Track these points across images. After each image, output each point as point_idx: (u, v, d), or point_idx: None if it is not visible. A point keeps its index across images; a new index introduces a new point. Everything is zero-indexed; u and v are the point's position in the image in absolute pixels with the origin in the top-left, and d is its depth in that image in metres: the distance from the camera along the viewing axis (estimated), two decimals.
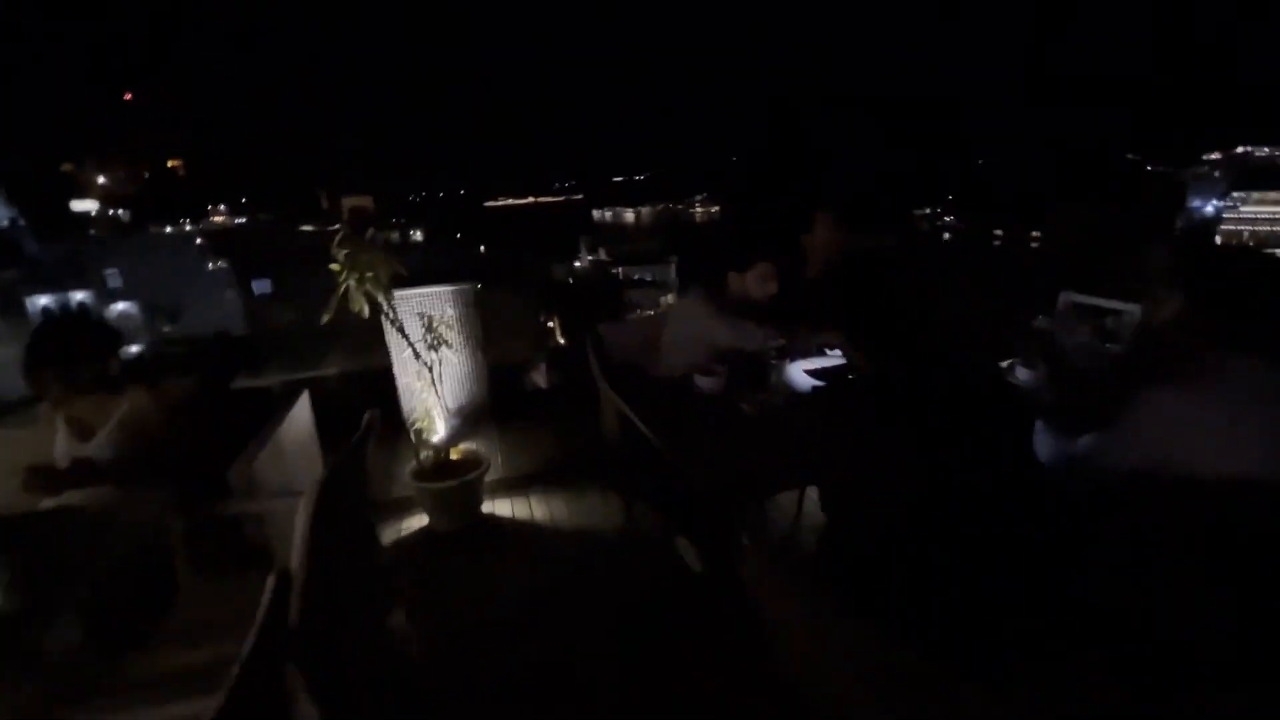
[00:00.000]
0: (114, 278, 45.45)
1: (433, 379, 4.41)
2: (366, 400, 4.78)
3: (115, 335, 2.74)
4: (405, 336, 4.27)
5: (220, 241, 42.32)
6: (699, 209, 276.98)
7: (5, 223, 57.42)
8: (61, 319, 2.76)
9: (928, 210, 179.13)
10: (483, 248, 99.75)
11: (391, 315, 4.15)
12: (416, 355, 4.35)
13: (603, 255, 71.48)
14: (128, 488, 2.57)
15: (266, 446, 2.85)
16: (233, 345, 29.71)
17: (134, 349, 44.46)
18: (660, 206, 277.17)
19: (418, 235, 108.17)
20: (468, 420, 5.18)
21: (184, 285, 46.20)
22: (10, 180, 66.37)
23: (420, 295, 5.05)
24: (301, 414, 3.78)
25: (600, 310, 49.35)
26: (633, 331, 4.47)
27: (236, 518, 2.67)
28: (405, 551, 4.21)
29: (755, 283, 3.93)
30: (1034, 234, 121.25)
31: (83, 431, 2.69)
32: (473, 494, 4.40)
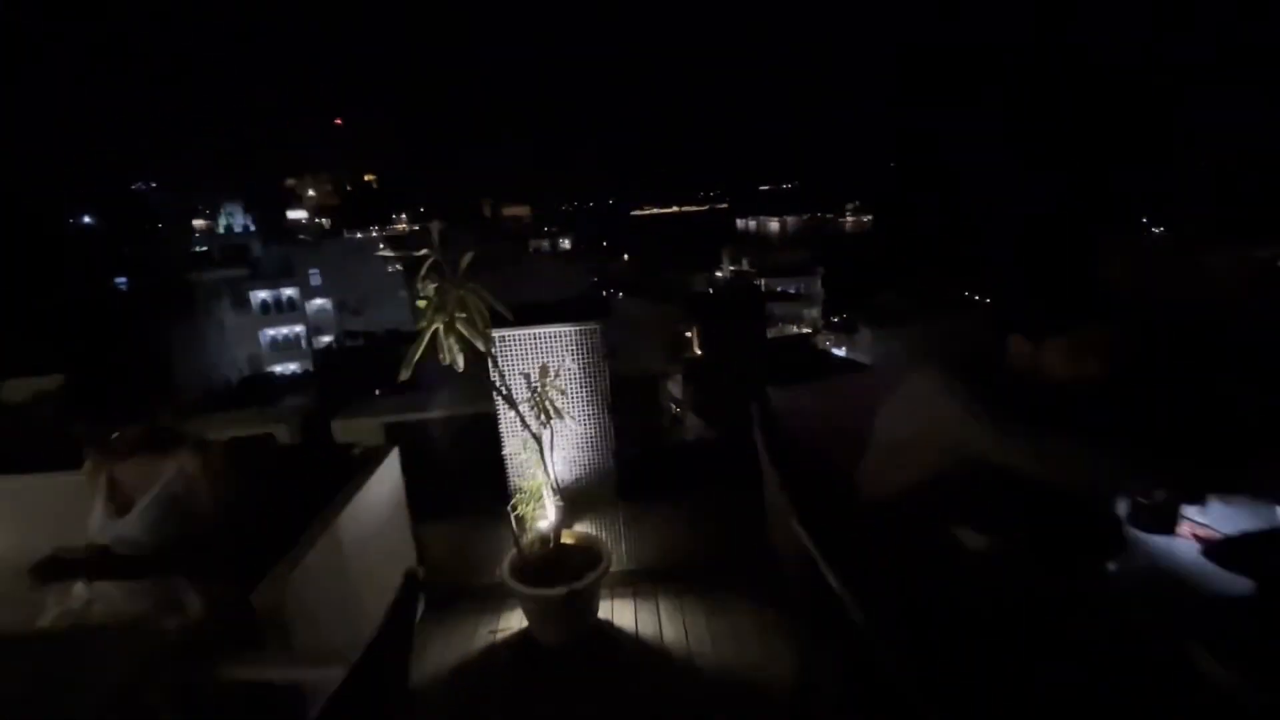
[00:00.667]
0: (315, 276, 52.38)
1: (541, 452, 3.57)
2: (475, 456, 3.90)
3: (164, 382, 2.17)
4: (507, 398, 3.49)
5: (396, 246, 46.89)
6: (849, 218, 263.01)
7: (240, 228, 69.33)
8: (99, 360, 2.20)
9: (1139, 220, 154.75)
10: (626, 256, 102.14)
11: (494, 364, 3.42)
12: (524, 423, 3.55)
13: (745, 265, 69.89)
14: (153, 590, 1.95)
15: (320, 543, 2.15)
16: (399, 341, 32.52)
17: (325, 339, 51.08)
18: (807, 216, 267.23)
19: (566, 244, 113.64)
20: (585, 498, 4.15)
21: (368, 285, 52.11)
22: (245, 193, 79.95)
23: (531, 335, 3.98)
24: (387, 479, 3.16)
25: (741, 322, 47.96)
26: (824, 401, 3.28)
27: (248, 687, 1.81)
28: (497, 663, 3.40)
29: (1062, 357, 2.33)
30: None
31: (122, 502, 2.13)
32: (586, 601, 3.51)
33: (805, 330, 57.80)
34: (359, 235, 77.83)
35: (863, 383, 3.32)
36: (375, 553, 2.78)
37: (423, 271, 3.17)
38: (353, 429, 4.35)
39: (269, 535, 2.14)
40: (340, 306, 52.14)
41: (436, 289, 3.18)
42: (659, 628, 3.50)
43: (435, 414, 4.58)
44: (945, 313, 48.29)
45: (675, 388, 43.48)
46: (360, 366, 31.99)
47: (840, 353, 58.45)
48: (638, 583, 3.92)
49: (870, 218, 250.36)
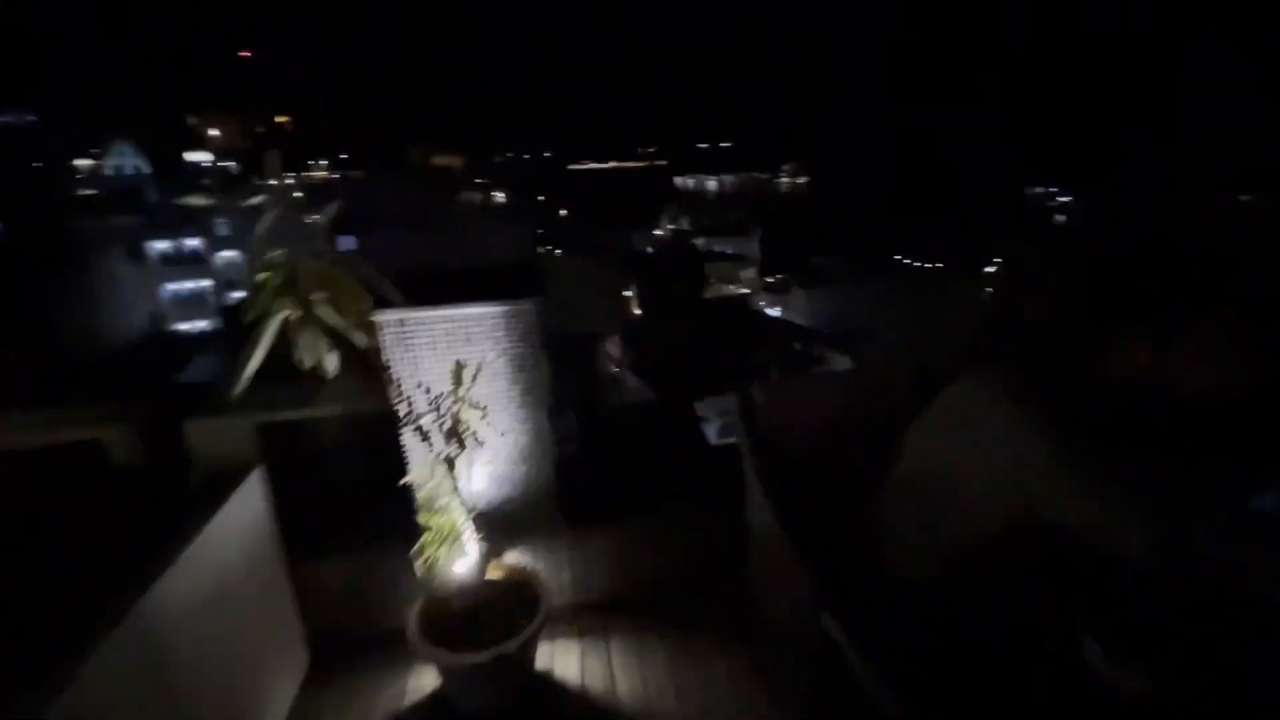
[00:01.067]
0: (222, 226, 48.12)
1: (454, 479, 2.76)
2: (381, 467, 2.97)
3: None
4: (406, 414, 2.72)
5: (314, 195, 43.77)
6: (785, 179, 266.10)
7: (131, 171, 62.41)
8: None
9: (1041, 189, 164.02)
10: (564, 212, 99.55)
11: (383, 364, 2.62)
12: (429, 443, 2.77)
13: (684, 225, 69.53)
14: None
15: (127, 626, 1.47)
16: None
17: (237, 294, 47.40)
18: (744, 176, 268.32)
19: (500, 197, 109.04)
20: (518, 522, 3.35)
21: (284, 236, 48.37)
22: (137, 132, 71.82)
23: (439, 321, 3.03)
24: (247, 510, 2.38)
25: (680, 283, 47.88)
26: (822, 401, 2.92)
27: None
28: None
29: (1201, 361, 1.56)
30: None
31: None
32: (520, 661, 2.77)
33: (743, 291, 58.45)
34: (272, 182, 71.90)
35: (867, 381, 2.94)
36: (232, 612, 2.12)
37: (261, 230, 2.39)
38: (212, 434, 3.02)
39: (59, 606, 1.48)
40: (253, 259, 48.37)
41: (280, 261, 2.36)
42: (611, 679, 2.84)
43: (327, 411, 3.34)
44: (878, 276, 50.02)
45: (614, 347, 43.33)
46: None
47: (775, 312, 59.77)
48: (584, 619, 3.24)
49: (806, 179, 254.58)
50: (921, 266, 60.25)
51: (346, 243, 25.51)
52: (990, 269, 53.98)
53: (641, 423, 17.21)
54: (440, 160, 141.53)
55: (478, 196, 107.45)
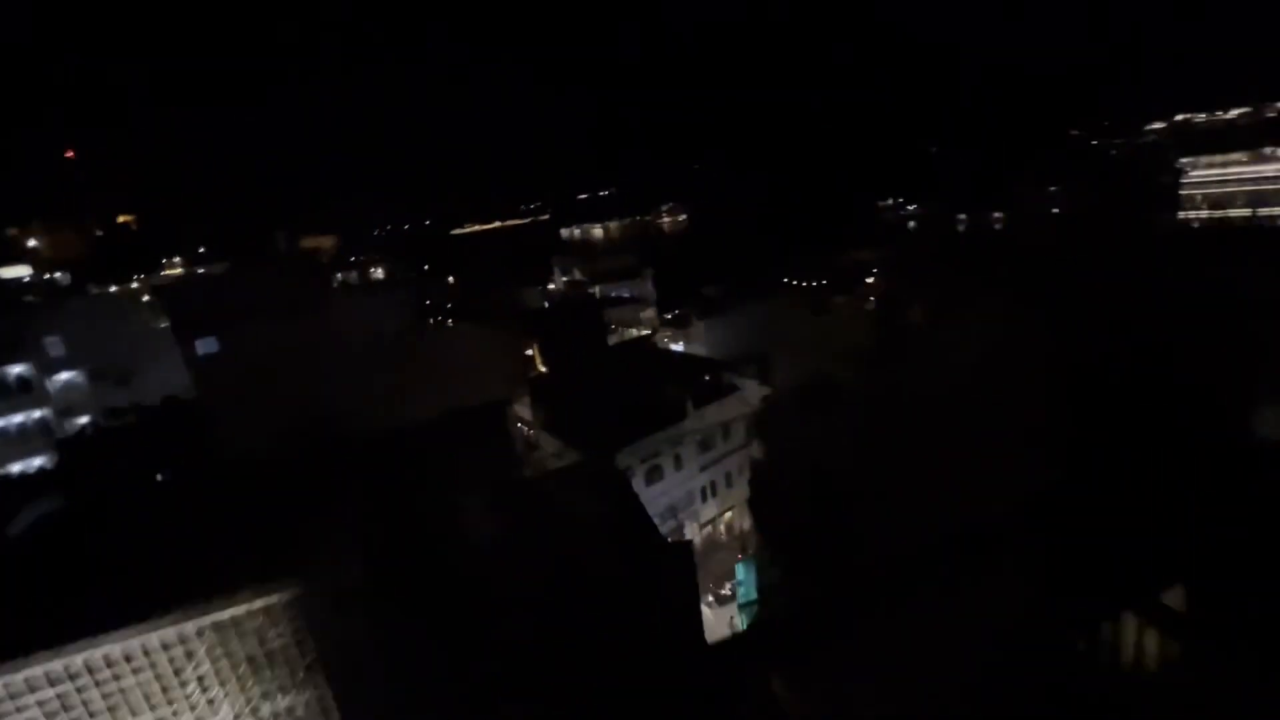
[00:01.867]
0: (55, 346, 42.18)
1: None
2: None
3: None
4: None
5: (169, 298, 39.50)
6: (666, 218, 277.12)
7: None
8: None
9: (890, 201, 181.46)
10: (451, 279, 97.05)
11: None
12: None
13: (577, 275, 69.74)
14: None
15: None
16: (181, 415, 26.96)
17: (81, 421, 41.41)
18: (628, 220, 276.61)
19: (379, 273, 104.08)
20: None
21: (134, 348, 43.13)
22: None
23: None
24: None
25: (581, 333, 47.47)
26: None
27: None
28: None
29: None
30: (996, 215, 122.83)
31: None
32: None
33: (645, 332, 58.93)
34: (113, 289, 64.68)
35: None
36: None
37: None
38: None
39: None
40: (98, 377, 42.57)
41: None
42: None
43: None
44: (764, 298, 52.17)
45: (524, 409, 41.80)
46: (130, 452, 25.98)
47: (678, 347, 60.70)
48: None
49: (685, 216, 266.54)
50: (806, 285, 63.89)
51: (205, 346, 22.92)
52: (869, 279, 58.46)
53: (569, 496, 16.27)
54: (310, 242, 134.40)
55: (354, 275, 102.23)
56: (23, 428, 41.08)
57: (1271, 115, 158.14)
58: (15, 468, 38.88)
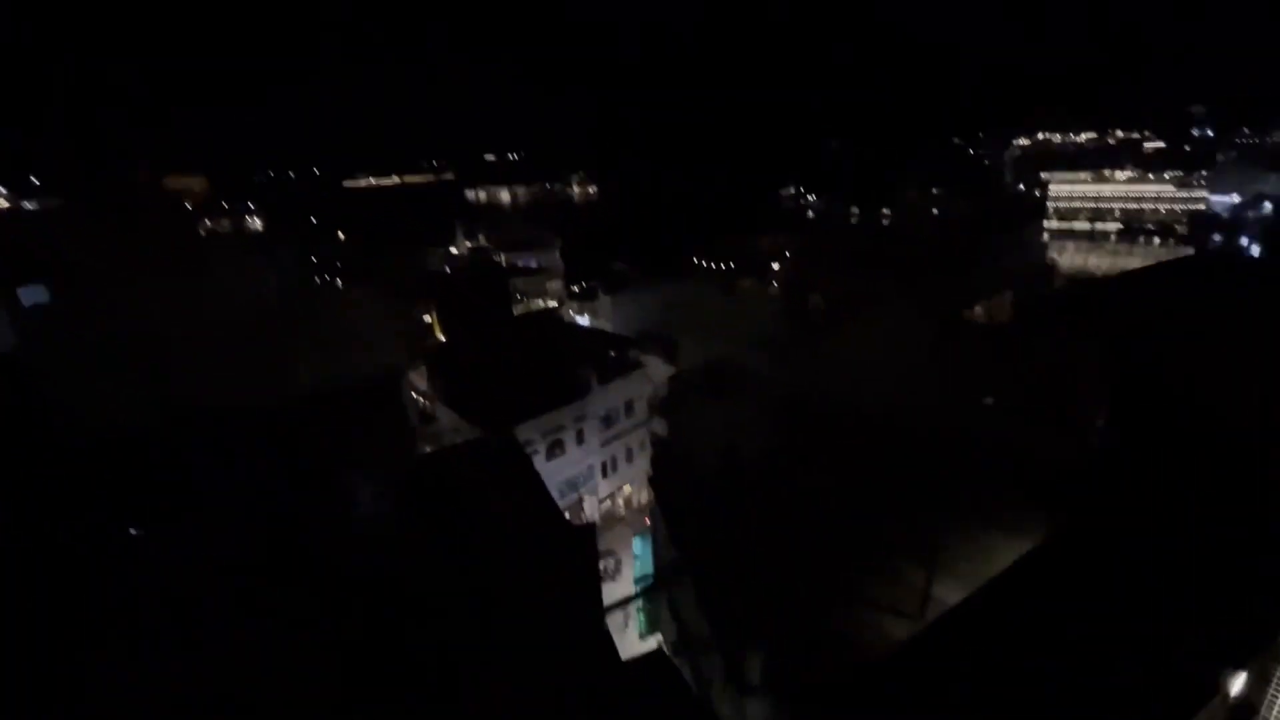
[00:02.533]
0: None
1: None
2: None
3: None
4: None
5: None
6: (576, 188, 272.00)
7: None
8: None
9: (792, 190, 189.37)
10: (342, 235, 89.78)
11: None
12: None
13: (482, 241, 66.76)
14: None
15: None
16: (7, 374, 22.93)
17: None
18: (537, 186, 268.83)
19: (257, 223, 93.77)
20: None
21: None
22: None
23: None
24: None
25: (485, 302, 45.60)
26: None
27: None
28: None
29: None
30: (884, 211, 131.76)
31: None
32: None
33: (551, 304, 57.72)
34: None
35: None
36: None
37: None
38: None
39: None
40: None
41: None
42: None
43: None
44: (673, 277, 52.75)
45: (421, 379, 39.66)
46: None
47: (584, 321, 60.10)
48: None
49: (596, 188, 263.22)
50: (715, 267, 65.20)
51: (32, 294, 19.51)
52: (775, 265, 60.64)
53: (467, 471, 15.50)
54: (177, 182, 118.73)
55: (226, 224, 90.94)
56: None
57: (1112, 141, 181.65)
58: None
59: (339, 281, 50.58)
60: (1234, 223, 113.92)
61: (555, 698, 6.12)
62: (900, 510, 14.91)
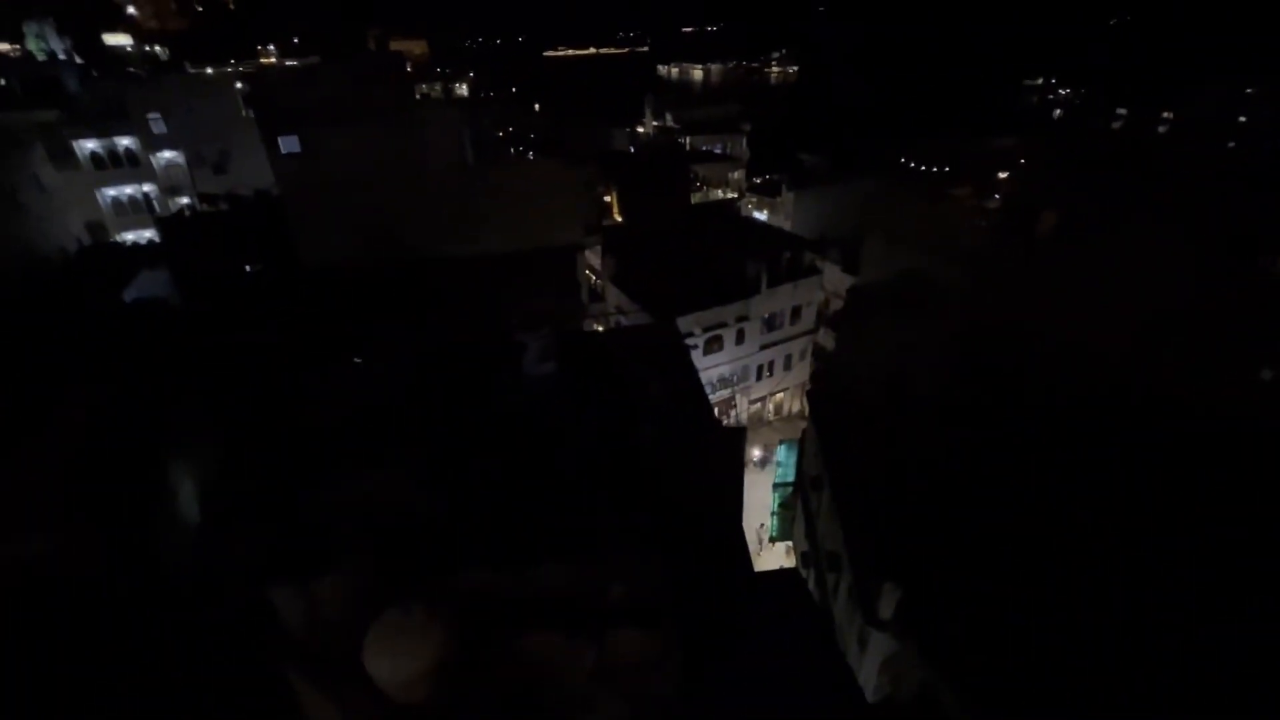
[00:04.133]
0: (157, 123, 43.32)
1: None
2: None
3: None
4: None
5: (259, 87, 39.01)
6: (775, 69, 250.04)
7: (45, 56, 55.16)
8: None
9: (1039, 80, 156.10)
10: (538, 106, 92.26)
11: None
12: None
13: (669, 121, 64.64)
14: None
15: None
16: (269, 210, 27.56)
17: (183, 200, 43.59)
18: (733, 64, 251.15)
19: (463, 89, 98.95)
20: None
21: (230, 134, 43.87)
22: (54, 8, 63.07)
23: None
24: None
25: (665, 186, 44.85)
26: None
27: None
28: None
29: None
30: (1165, 115, 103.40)
31: None
32: None
33: (731, 195, 55.34)
34: (209, 70, 64.60)
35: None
36: None
37: None
38: None
39: None
40: (197, 161, 43.99)
41: None
42: None
43: None
44: (870, 176, 47.21)
45: (594, 258, 41.07)
46: (223, 239, 27.13)
47: (762, 216, 57.09)
48: None
49: (796, 69, 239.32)
50: (926, 169, 56.91)
51: (288, 144, 22.55)
52: (1002, 175, 51.14)
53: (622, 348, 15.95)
54: (400, 45, 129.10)
55: (438, 88, 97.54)
56: (132, 199, 43.67)
57: None
58: (128, 236, 42.02)
59: (530, 153, 52.65)
60: None
61: (680, 590, 6.09)
62: (1089, 482, 12.64)
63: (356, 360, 16.12)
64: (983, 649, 10.66)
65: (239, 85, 47.55)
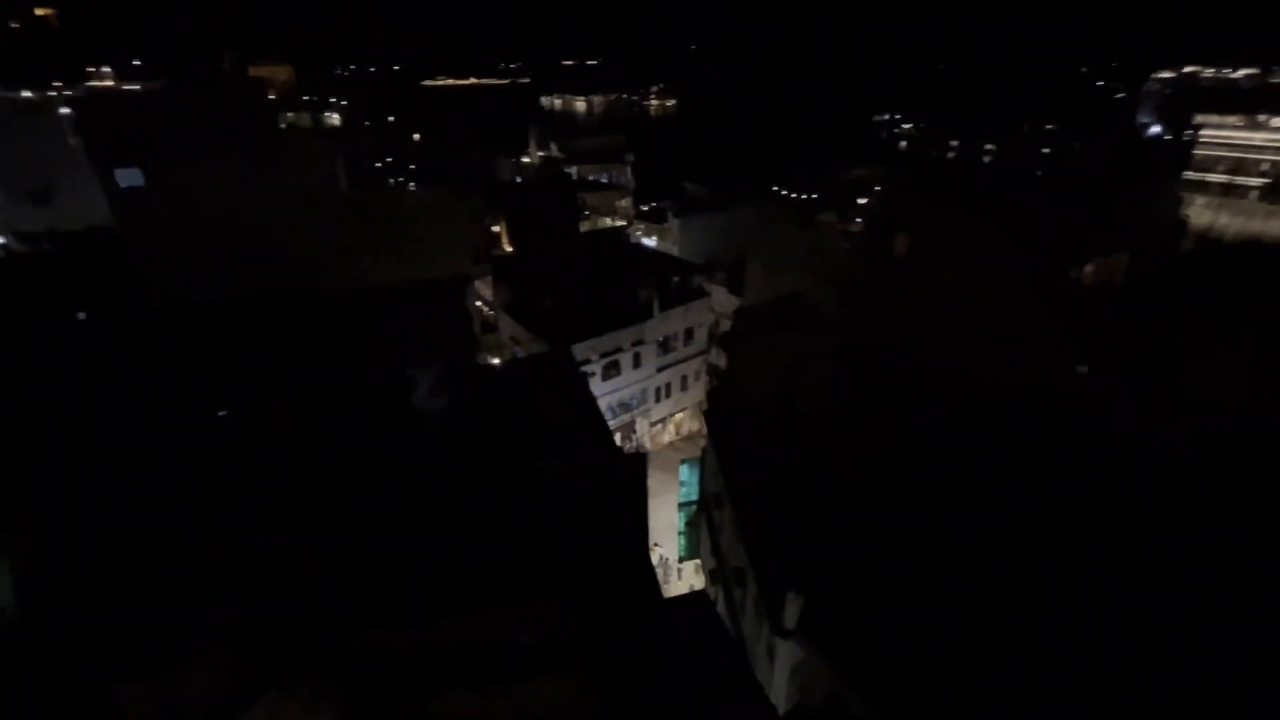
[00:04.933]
0: None
1: None
2: None
3: None
4: None
5: (89, 113, 34.82)
6: (655, 101, 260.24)
7: None
8: None
9: (886, 117, 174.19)
10: (417, 136, 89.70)
11: None
12: None
13: (555, 151, 65.21)
14: None
15: None
16: (105, 248, 24.46)
17: None
18: (614, 97, 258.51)
19: (335, 118, 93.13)
20: None
21: (55, 165, 38.65)
22: None
23: None
24: None
25: (554, 215, 45.02)
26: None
27: None
28: None
29: None
30: (988, 147, 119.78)
31: None
32: None
33: (620, 222, 56.50)
34: (27, 94, 56.83)
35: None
36: None
37: None
38: None
39: None
40: (10, 195, 38.26)
41: None
42: None
43: None
44: (748, 203, 50.19)
45: (486, 289, 40.20)
46: (48, 283, 23.56)
47: (651, 243, 58.74)
48: None
49: (674, 102, 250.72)
50: (796, 197, 61.39)
51: (128, 177, 20.30)
52: (861, 200, 56.36)
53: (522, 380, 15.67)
54: (261, 70, 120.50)
55: (306, 117, 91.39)
56: None
57: (1276, 80, 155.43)
58: None
59: (411, 184, 50.82)
60: None
61: (591, 629, 6.01)
62: (957, 470, 14.09)
63: (221, 413, 14.60)
64: (886, 650, 11.34)
65: (65, 110, 42.23)
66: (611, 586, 7.82)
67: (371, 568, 8.17)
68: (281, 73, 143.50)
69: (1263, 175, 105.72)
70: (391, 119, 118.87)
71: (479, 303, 36.02)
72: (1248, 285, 23.25)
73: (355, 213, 23.84)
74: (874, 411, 14.98)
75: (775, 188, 62.83)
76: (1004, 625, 11.40)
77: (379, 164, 56.87)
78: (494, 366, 21.11)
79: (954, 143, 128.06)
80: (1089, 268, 31.82)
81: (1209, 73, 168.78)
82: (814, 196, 57.72)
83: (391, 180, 50.87)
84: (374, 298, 23.30)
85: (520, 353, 30.52)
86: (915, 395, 15.02)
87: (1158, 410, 14.46)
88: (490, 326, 35.57)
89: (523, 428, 12.57)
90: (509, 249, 43.56)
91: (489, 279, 35.67)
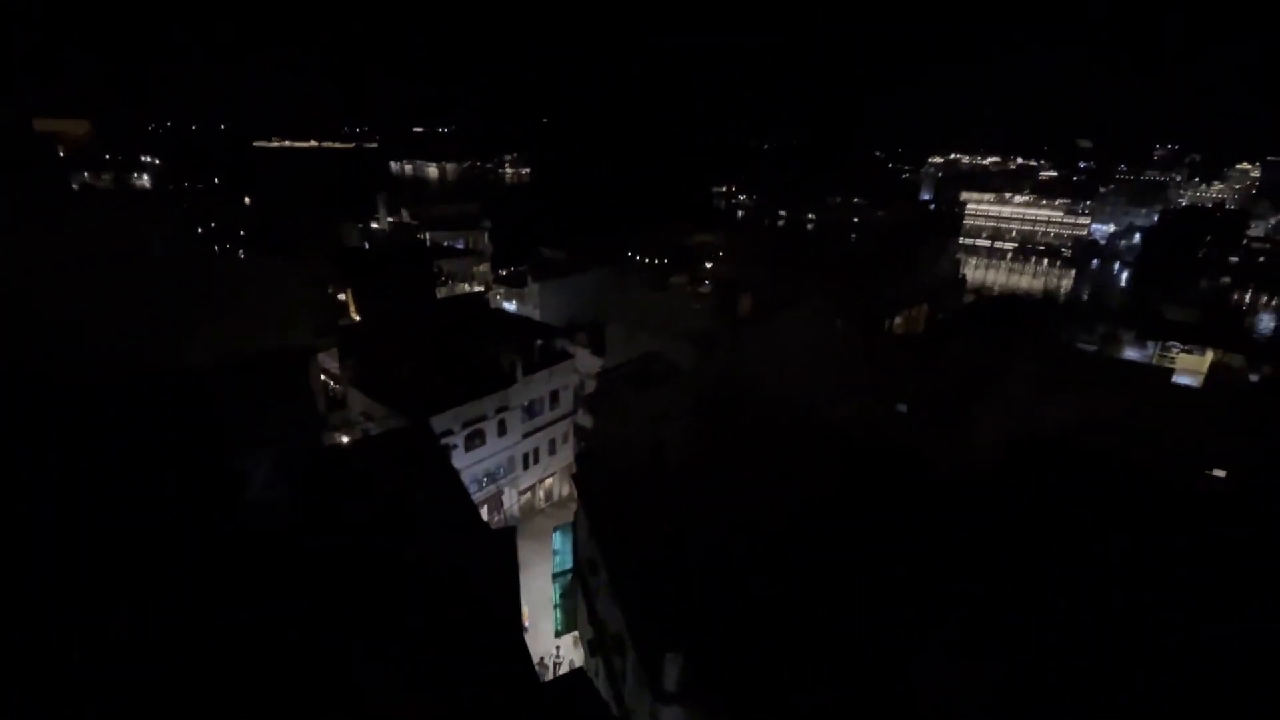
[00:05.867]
0: None
1: None
2: None
3: None
4: None
5: None
6: (509, 169, 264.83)
7: None
8: None
9: (724, 189, 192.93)
10: (248, 200, 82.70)
11: None
12: None
13: (406, 218, 63.35)
14: None
15: None
16: None
17: None
18: (467, 164, 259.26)
19: (145, 180, 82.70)
20: None
21: None
22: None
23: None
24: None
25: (408, 282, 43.33)
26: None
27: None
28: None
29: None
30: (809, 216, 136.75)
31: None
32: None
33: (478, 288, 55.75)
34: None
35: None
36: None
37: None
38: None
39: None
40: None
41: None
42: None
43: None
44: (604, 268, 52.15)
45: (331, 361, 37.16)
46: None
47: (511, 307, 58.48)
48: None
49: (528, 170, 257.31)
50: (647, 260, 65.00)
51: None
52: (708, 264, 61.21)
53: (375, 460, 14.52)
54: (50, 124, 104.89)
55: (107, 178, 79.99)
56: None
57: (1013, 166, 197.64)
58: None
59: (240, 251, 46.27)
60: (1110, 249, 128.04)
61: (464, 714, 5.65)
62: (818, 506, 15.32)
63: None
64: (771, 707, 11.59)
65: None
66: (484, 674, 7.34)
67: (212, 684, 7.00)
68: (76, 128, 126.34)
69: (1012, 241, 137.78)
70: (216, 180, 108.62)
71: (324, 377, 33.20)
72: (1013, 330, 28.50)
73: (170, 282, 21.22)
74: (735, 459, 15.88)
75: (628, 252, 66.07)
76: (886, 670, 12.15)
77: (201, 229, 51.24)
78: (342, 446, 19.40)
79: (782, 212, 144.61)
80: (898, 319, 36.99)
81: (966, 160, 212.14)
82: (664, 261, 61.44)
83: (216, 247, 45.97)
84: (194, 377, 20.57)
85: (373, 429, 28.39)
86: (769, 441, 16.22)
87: (959, 440, 16.94)
88: (338, 402, 32.80)
89: (375, 512, 11.65)
90: (358, 318, 41.02)
91: (335, 351, 33.14)
